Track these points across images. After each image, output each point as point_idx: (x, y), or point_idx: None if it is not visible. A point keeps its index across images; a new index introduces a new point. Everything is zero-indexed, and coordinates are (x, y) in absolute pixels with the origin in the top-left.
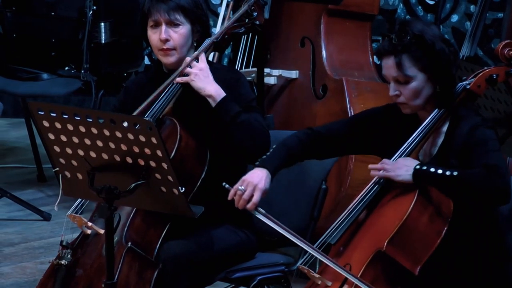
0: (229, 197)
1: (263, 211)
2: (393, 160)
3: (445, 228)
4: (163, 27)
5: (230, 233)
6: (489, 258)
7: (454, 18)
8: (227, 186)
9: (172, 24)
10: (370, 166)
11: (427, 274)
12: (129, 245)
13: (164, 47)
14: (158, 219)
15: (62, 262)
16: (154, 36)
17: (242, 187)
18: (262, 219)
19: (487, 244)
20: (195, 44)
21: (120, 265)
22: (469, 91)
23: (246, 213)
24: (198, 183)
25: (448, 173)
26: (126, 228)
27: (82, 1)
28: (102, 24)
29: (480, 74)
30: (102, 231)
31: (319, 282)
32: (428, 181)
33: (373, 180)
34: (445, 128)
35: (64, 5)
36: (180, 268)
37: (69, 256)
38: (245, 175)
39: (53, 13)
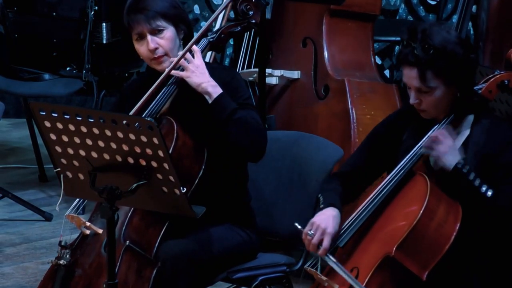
0: (303, 241)
1: (333, 259)
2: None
3: (454, 234)
4: (148, 37)
5: (232, 233)
6: (499, 265)
7: (456, 18)
8: (299, 227)
9: (156, 31)
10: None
11: (435, 280)
12: (127, 244)
13: (156, 56)
14: (157, 217)
15: (61, 262)
16: (142, 48)
17: (311, 232)
18: (333, 267)
19: (497, 250)
20: (182, 42)
21: (118, 264)
22: (481, 96)
23: (249, 213)
24: (196, 182)
25: (483, 189)
26: (124, 227)
27: (84, 2)
28: (104, 24)
29: (492, 80)
30: (100, 231)
31: (326, 285)
32: (461, 183)
33: (382, 183)
34: (465, 132)
35: (65, 6)
36: (179, 267)
37: (68, 256)
38: (314, 216)
39: (54, 13)
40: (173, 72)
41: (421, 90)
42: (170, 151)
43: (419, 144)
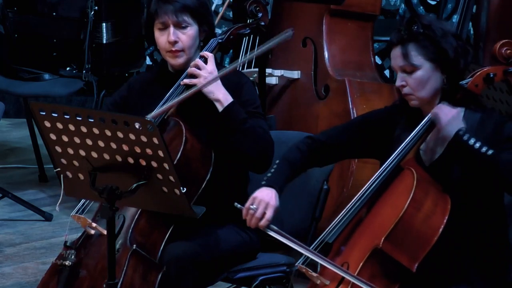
0: (243, 217)
1: (275, 227)
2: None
3: (442, 226)
4: (171, 29)
5: (233, 234)
6: (489, 255)
7: (456, 18)
8: (239, 206)
9: (180, 25)
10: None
11: (425, 271)
12: (134, 248)
13: (173, 49)
14: (162, 221)
15: (66, 263)
16: (162, 38)
17: (254, 206)
18: (275, 236)
19: (487, 241)
20: (201, 44)
21: (125, 268)
22: (467, 90)
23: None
24: (204, 185)
25: (483, 149)
26: (130, 230)
27: (84, 2)
28: (104, 24)
29: (478, 73)
30: (105, 232)
31: (318, 282)
32: (462, 149)
33: (371, 180)
34: None
35: (65, 6)
36: (183, 270)
37: (73, 257)
38: (254, 193)
39: (54, 13)
40: (186, 80)
41: (405, 70)
42: (178, 155)
43: (406, 140)
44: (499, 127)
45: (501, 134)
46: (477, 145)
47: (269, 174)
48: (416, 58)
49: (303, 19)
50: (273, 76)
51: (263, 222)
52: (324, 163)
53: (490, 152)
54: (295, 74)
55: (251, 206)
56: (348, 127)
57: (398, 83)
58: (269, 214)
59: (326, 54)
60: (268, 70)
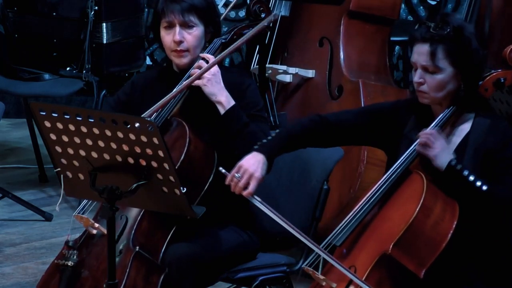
0: (226, 183)
1: (259, 199)
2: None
3: (451, 232)
4: (177, 28)
5: (233, 234)
6: (497, 263)
7: None
8: (223, 171)
9: (186, 25)
10: (422, 133)
11: (431, 277)
12: (137, 249)
13: (178, 49)
14: (164, 222)
15: (69, 263)
16: (167, 37)
17: (239, 175)
18: (259, 206)
19: (494, 248)
20: (207, 45)
21: (128, 269)
22: (477, 94)
23: (249, 214)
24: (207, 186)
25: (478, 184)
26: (133, 232)
27: (84, 2)
28: (104, 24)
29: (488, 78)
30: None
31: (324, 284)
32: (456, 180)
33: (379, 182)
34: (464, 127)
35: (65, 6)
36: (184, 270)
37: (75, 257)
38: (242, 160)
39: (54, 14)
40: (188, 80)
41: (427, 69)
42: (182, 156)
43: (415, 143)
44: (507, 141)
45: (507, 151)
46: (471, 178)
47: (264, 140)
48: (442, 62)
49: (321, 19)
50: (288, 74)
51: (246, 193)
52: (326, 143)
53: (484, 187)
54: (310, 73)
55: (236, 175)
56: (360, 113)
57: (416, 79)
58: (252, 186)
59: (342, 55)
60: (283, 67)
